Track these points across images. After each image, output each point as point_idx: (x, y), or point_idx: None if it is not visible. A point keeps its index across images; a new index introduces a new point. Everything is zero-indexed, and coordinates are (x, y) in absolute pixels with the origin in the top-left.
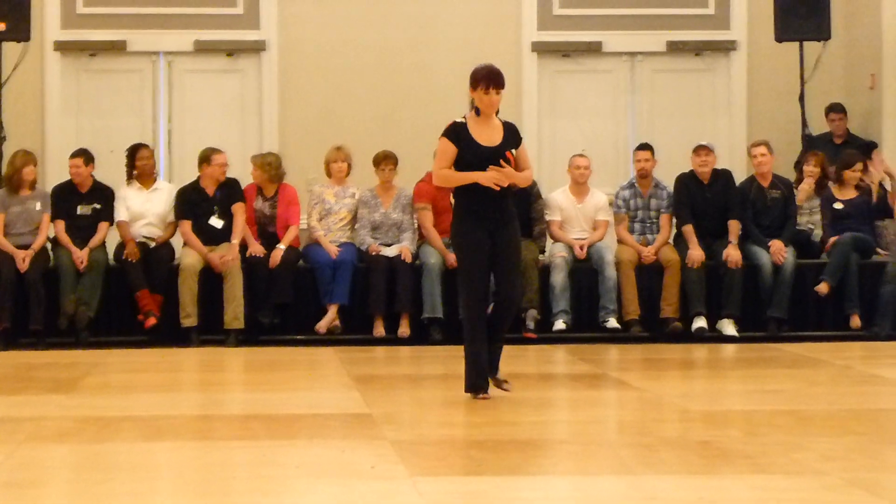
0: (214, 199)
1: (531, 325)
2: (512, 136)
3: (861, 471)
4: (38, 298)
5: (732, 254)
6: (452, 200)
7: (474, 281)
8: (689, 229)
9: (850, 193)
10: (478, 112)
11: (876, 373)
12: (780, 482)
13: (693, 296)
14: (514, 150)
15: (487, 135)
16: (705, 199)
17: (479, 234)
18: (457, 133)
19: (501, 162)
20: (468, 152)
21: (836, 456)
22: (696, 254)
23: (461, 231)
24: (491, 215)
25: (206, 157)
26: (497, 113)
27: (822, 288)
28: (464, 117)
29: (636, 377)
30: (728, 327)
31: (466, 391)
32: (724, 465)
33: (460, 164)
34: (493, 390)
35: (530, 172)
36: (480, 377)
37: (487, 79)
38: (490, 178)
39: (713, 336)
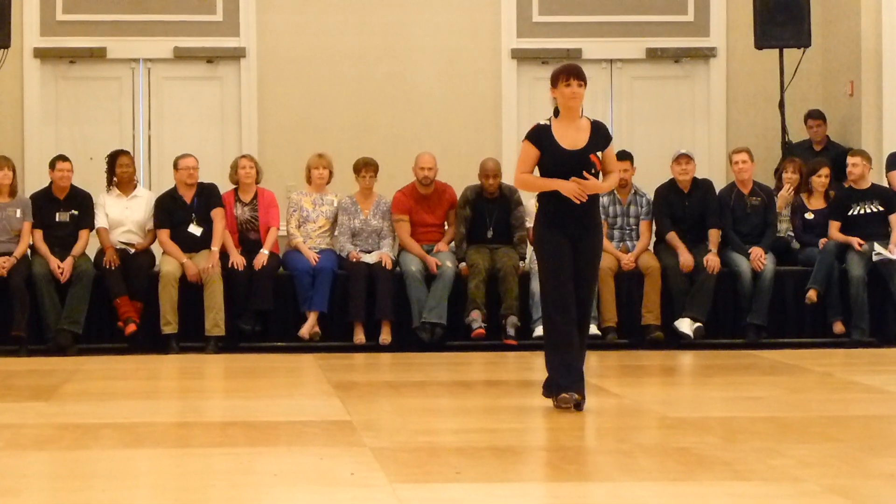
0: (192, 206)
1: (511, 331)
2: (599, 136)
3: (839, 478)
4: (21, 305)
5: (712, 259)
6: (535, 204)
7: (558, 286)
8: (672, 236)
9: (820, 203)
10: (556, 113)
11: (856, 380)
12: (758, 489)
13: (678, 301)
14: (599, 153)
15: (572, 137)
16: (685, 207)
17: (560, 239)
18: (539, 136)
19: (585, 174)
20: (550, 156)
21: (814, 463)
22: (686, 258)
23: (543, 237)
24: (574, 221)
25: (174, 163)
26: (582, 113)
27: (811, 296)
28: (548, 120)
29: (615, 384)
30: (684, 325)
31: (544, 395)
32: (703, 472)
33: (543, 168)
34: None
35: (616, 177)
36: (566, 378)
37: (567, 71)
38: (570, 189)
39: (698, 342)
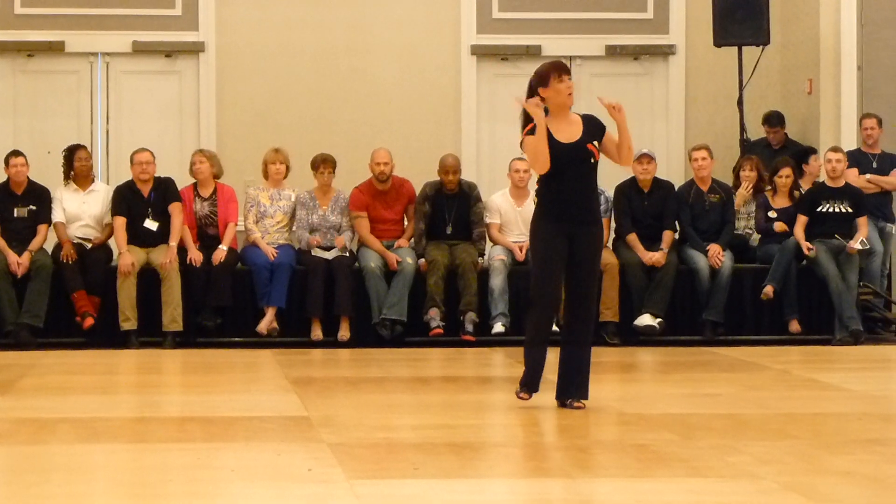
0: (149, 200)
1: (470, 327)
2: (592, 127)
3: (797, 475)
4: None
5: (654, 256)
6: (535, 199)
7: (543, 284)
8: (633, 238)
9: (785, 202)
10: (546, 112)
11: (813, 377)
12: (716, 486)
13: (637, 297)
14: (596, 143)
15: (566, 131)
16: (644, 206)
17: (555, 235)
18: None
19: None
20: (549, 151)
21: (771, 460)
22: (650, 256)
23: (538, 231)
24: (572, 215)
25: (130, 158)
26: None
27: (768, 291)
28: None
29: None
30: (646, 319)
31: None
32: (660, 469)
33: None
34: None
35: (629, 136)
36: (533, 378)
37: (557, 68)
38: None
39: (659, 339)
